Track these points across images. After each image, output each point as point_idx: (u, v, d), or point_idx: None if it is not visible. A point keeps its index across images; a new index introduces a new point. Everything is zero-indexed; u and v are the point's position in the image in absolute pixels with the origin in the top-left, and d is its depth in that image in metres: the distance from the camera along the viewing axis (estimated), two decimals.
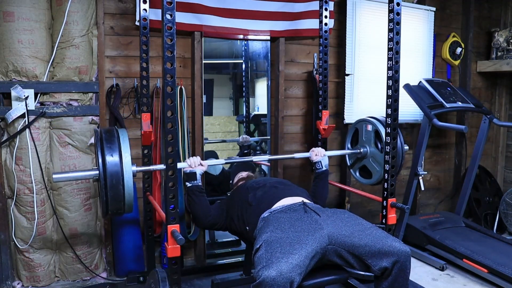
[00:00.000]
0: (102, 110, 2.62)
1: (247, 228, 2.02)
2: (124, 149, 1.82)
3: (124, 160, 1.79)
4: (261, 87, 3.81)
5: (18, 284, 2.58)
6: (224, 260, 3.01)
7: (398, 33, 2.16)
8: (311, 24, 3.03)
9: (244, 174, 2.50)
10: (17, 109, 2.38)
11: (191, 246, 2.98)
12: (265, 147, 3.87)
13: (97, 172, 1.79)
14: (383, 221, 2.29)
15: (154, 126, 2.60)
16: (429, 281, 2.77)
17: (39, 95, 2.47)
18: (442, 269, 2.92)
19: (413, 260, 3.04)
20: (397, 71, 2.18)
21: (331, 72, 3.18)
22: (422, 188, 3.74)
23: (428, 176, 3.82)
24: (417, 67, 3.53)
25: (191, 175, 2.08)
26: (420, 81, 3.33)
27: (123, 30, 2.67)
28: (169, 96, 1.77)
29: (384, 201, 2.29)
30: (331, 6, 3.02)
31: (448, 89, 3.31)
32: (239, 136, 4.03)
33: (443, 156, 3.93)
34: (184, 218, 2.80)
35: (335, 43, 3.26)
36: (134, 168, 1.90)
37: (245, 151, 3.63)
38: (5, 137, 2.45)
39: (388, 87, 2.21)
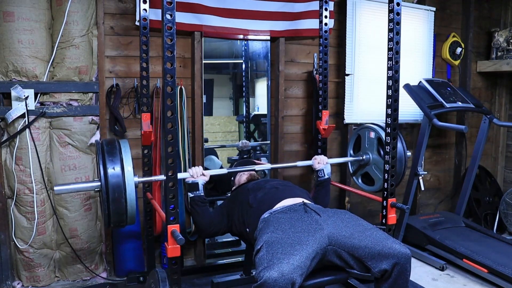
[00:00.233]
0: (102, 110, 2.62)
1: (247, 229, 2.02)
2: (126, 161, 1.80)
3: (126, 173, 1.77)
4: (261, 87, 3.81)
5: (18, 284, 2.58)
6: (224, 260, 3.01)
7: (398, 33, 2.16)
8: (311, 24, 3.03)
9: (245, 173, 2.49)
10: (17, 109, 2.38)
11: (191, 246, 2.98)
12: (265, 147, 3.87)
13: (99, 183, 1.78)
14: (383, 221, 2.28)
15: (154, 126, 2.60)
16: (429, 281, 2.76)
17: (39, 95, 2.47)
18: (442, 269, 2.92)
19: (413, 260, 3.02)
20: (397, 71, 2.18)
21: (331, 72, 3.18)
22: (422, 188, 3.74)
23: (428, 176, 3.82)
24: (417, 67, 3.53)
25: (194, 186, 2.06)
26: (420, 81, 3.33)
27: (123, 30, 2.67)
28: (169, 96, 1.77)
29: (384, 201, 2.29)
30: (331, 6, 3.02)
31: (448, 89, 3.31)
32: (239, 136, 4.04)
33: (443, 156, 3.93)
34: (185, 218, 2.80)
35: (335, 43, 3.26)
36: (136, 179, 1.88)
37: (245, 156, 3.64)
38: (5, 137, 2.45)
39: (388, 87, 2.21)
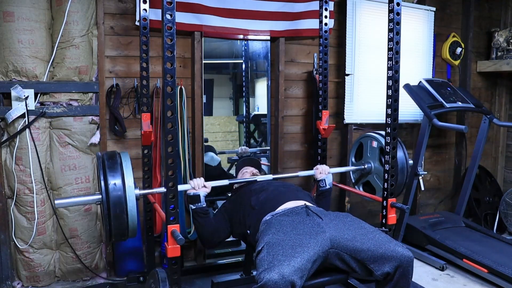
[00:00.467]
0: (102, 110, 2.62)
1: (248, 231, 2.02)
2: (127, 175, 1.79)
3: (128, 188, 1.77)
4: (261, 87, 3.81)
5: (18, 284, 2.58)
6: (224, 260, 3.01)
7: (398, 33, 2.16)
8: (311, 24, 3.03)
9: (248, 169, 2.48)
10: (17, 109, 2.38)
11: (191, 246, 2.98)
12: (265, 146, 3.87)
13: (100, 196, 1.78)
14: (383, 221, 2.28)
15: (154, 126, 2.60)
16: (429, 281, 2.77)
17: (39, 95, 2.47)
18: (442, 269, 2.92)
19: None
20: (397, 71, 2.18)
21: (331, 72, 3.18)
22: (422, 188, 3.74)
23: (428, 176, 3.82)
24: (417, 67, 3.53)
25: (195, 198, 2.04)
26: (420, 81, 3.33)
27: (123, 30, 2.67)
28: (169, 96, 1.77)
29: (384, 201, 2.29)
30: (331, 6, 3.02)
31: (448, 89, 3.31)
32: (239, 136, 4.04)
33: (443, 156, 3.93)
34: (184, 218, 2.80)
35: (335, 43, 3.26)
36: (137, 191, 1.87)
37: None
38: (5, 137, 2.45)
39: (388, 87, 2.21)
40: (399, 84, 2.22)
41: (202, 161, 2.88)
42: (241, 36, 3.05)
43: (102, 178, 1.76)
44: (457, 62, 3.78)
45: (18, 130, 2.42)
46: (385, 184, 2.28)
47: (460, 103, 3.21)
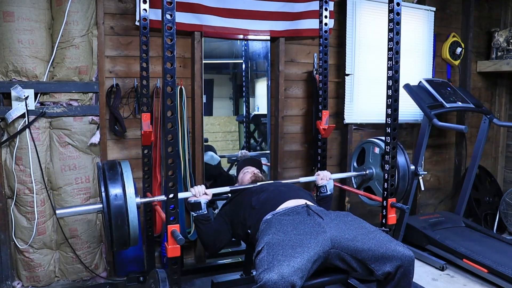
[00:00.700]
0: (102, 110, 2.62)
1: (249, 231, 2.01)
2: (128, 186, 1.79)
3: (129, 199, 1.77)
4: (261, 87, 3.81)
5: (18, 284, 2.58)
6: (224, 260, 3.01)
7: (398, 33, 2.16)
8: (311, 24, 3.03)
9: (249, 169, 2.47)
10: (17, 109, 2.38)
11: (191, 246, 2.98)
12: (265, 147, 3.87)
13: (101, 206, 1.78)
14: (383, 221, 2.28)
15: (154, 126, 2.60)
16: (429, 281, 2.77)
17: (39, 95, 2.47)
18: (442, 269, 2.92)
19: None
20: (397, 71, 2.18)
21: (331, 72, 3.18)
22: (422, 188, 3.74)
23: (428, 176, 3.82)
24: (417, 67, 3.53)
25: (196, 205, 2.03)
26: (420, 81, 3.33)
27: (123, 30, 2.67)
28: (169, 96, 1.77)
29: (384, 201, 2.29)
30: (331, 6, 3.02)
31: (448, 89, 3.31)
32: (239, 136, 4.04)
33: (443, 156, 3.93)
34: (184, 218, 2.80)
35: (335, 43, 3.26)
36: (138, 200, 1.88)
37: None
38: (5, 137, 2.45)
39: (388, 87, 2.21)
40: (399, 84, 2.22)
41: (202, 161, 2.88)
42: (241, 36, 3.05)
43: (103, 188, 1.77)
44: (457, 62, 3.78)
45: (18, 130, 2.42)
46: (385, 184, 2.28)
47: (460, 103, 3.21)
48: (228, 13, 2.86)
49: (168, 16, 1.72)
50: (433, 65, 3.64)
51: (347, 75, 3.22)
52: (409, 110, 3.44)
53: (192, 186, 2.77)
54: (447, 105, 3.14)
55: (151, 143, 2.49)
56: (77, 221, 2.60)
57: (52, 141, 2.54)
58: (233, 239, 2.21)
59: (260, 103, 3.96)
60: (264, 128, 3.65)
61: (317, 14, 2.78)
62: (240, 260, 2.94)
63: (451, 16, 3.77)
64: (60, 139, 2.54)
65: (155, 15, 2.51)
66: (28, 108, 2.40)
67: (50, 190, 2.56)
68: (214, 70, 4.10)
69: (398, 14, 2.15)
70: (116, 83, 2.65)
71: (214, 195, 2.13)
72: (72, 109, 2.54)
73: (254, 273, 1.58)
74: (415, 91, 3.22)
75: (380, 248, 1.67)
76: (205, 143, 3.30)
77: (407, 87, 3.25)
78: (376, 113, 3.17)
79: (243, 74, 3.93)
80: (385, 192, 2.28)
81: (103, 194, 1.76)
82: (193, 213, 2.06)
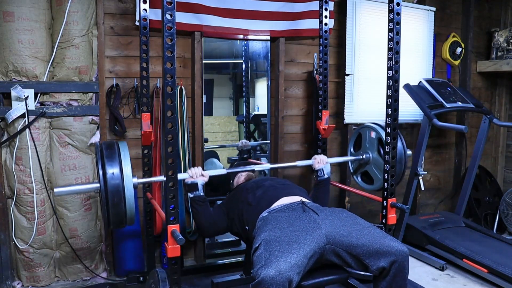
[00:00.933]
0: (102, 110, 2.62)
1: (247, 228, 2.02)
2: (125, 164, 1.80)
3: (125, 177, 1.78)
4: (261, 87, 3.81)
5: (18, 284, 2.58)
6: (224, 260, 3.01)
7: (398, 33, 2.16)
8: (311, 24, 3.03)
9: (243, 173, 2.50)
10: (17, 109, 2.38)
11: (191, 246, 2.98)
12: (265, 147, 3.87)
13: (98, 185, 1.79)
14: (383, 221, 2.28)
15: (154, 126, 2.60)
16: (429, 281, 2.76)
17: (39, 95, 2.47)
18: (442, 269, 2.92)
19: (413, 260, 3.04)
20: (397, 71, 2.18)
21: (331, 72, 3.18)
22: (422, 188, 3.74)
23: (428, 176, 3.82)
24: (417, 67, 3.53)
25: (193, 186, 2.06)
26: (420, 81, 3.33)
27: (123, 30, 2.67)
28: (169, 96, 1.77)
29: (384, 201, 2.29)
30: (331, 6, 3.02)
31: (448, 89, 3.31)
32: (239, 136, 4.03)
33: (443, 156, 3.93)
34: (184, 218, 2.80)
35: (335, 43, 3.26)
36: (135, 180, 1.89)
37: (245, 156, 3.63)
38: (5, 137, 2.45)
39: (388, 87, 2.21)
40: (399, 84, 2.22)
41: (202, 161, 2.88)
42: (241, 36, 3.04)
43: (100, 167, 1.78)
44: (457, 62, 3.78)
45: (18, 130, 2.42)
46: (385, 184, 2.28)
47: (460, 103, 3.21)
48: (228, 13, 2.86)
49: (168, 16, 1.72)
50: (433, 65, 3.64)
51: (347, 75, 3.22)
52: (409, 110, 3.44)
53: None
54: (447, 105, 3.14)
55: (151, 143, 2.49)
56: (77, 221, 2.60)
57: (52, 141, 2.54)
58: (233, 238, 2.22)
59: (260, 103, 3.96)
60: (264, 128, 3.64)
61: (317, 14, 2.78)
62: (240, 260, 2.93)
63: (451, 16, 3.77)
64: (60, 139, 2.54)
65: (155, 15, 2.51)
66: (28, 108, 2.40)
67: (50, 190, 2.55)
68: (214, 70, 4.10)
69: (398, 14, 2.15)
70: (116, 83, 2.65)
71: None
72: (72, 109, 2.54)
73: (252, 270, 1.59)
74: (415, 91, 3.21)
75: (374, 243, 1.69)
76: (208, 148, 3.30)
77: (407, 87, 3.25)
78: (376, 113, 3.17)
79: (243, 74, 3.92)
80: (385, 192, 2.28)
81: (100, 172, 1.77)
82: (189, 194, 2.08)
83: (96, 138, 2.59)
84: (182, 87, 2.75)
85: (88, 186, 1.86)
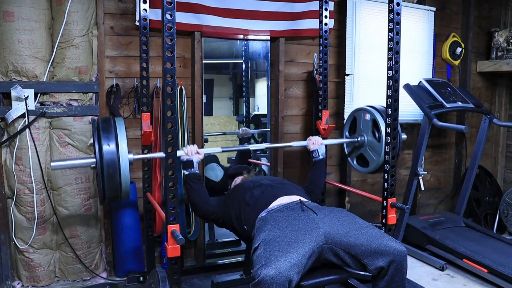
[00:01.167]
0: (102, 110, 2.62)
1: (245, 227, 2.02)
2: (120, 138, 1.84)
3: (121, 149, 1.82)
4: (261, 87, 3.81)
5: (18, 284, 2.58)
6: (224, 260, 3.01)
7: (398, 33, 2.16)
8: (311, 24, 3.03)
9: (240, 177, 2.50)
10: (17, 109, 2.38)
11: (191, 246, 2.98)
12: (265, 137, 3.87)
13: (94, 160, 1.82)
14: (383, 221, 2.28)
15: (154, 126, 2.60)
16: (429, 281, 2.76)
17: (39, 95, 2.47)
18: (442, 269, 2.91)
19: (413, 260, 3.04)
20: (397, 71, 2.18)
21: (331, 72, 3.18)
22: (422, 188, 3.74)
23: (428, 176, 3.82)
24: (417, 67, 3.53)
25: (188, 163, 2.10)
26: (420, 81, 3.33)
27: (123, 30, 2.67)
28: (169, 96, 1.77)
29: (384, 201, 2.29)
30: (331, 6, 3.02)
31: (448, 89, 3.31)
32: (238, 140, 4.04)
33: (443, 156, 3.93)
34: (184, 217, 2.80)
35: (335, 43, 3.26)
36: (131, 156, 1.91)
37: (245, 142, 3.63)
38: (5, 137, 2.45)
39: (388, 87, 2.21)
40: (399, 84, 2.22)
41: (202, 161, 2.87)
42: (241, 36, 3.05)
43: (96, 139, 1.81)
44: (457, 62, 3.78)
45: (18, 130, 2.42)
46: (385, 184, 2.28)
47: (460, 103, 3.21)
48: (228, 13, 2.86)
49: (168, 16, 1.72)
50: (433, 65, 3.64)
51: (347, 75, 3.22)
52: (409, 110, 3.44)
53: None
54: (447, 105, 3.14)
55: (151, 143, 2.49)
56: (77, 221, 2.60)
57: (52, 141, 2.54)
58: (233, 238, 2.22)
59: (260, 103, 3.96)
60: (264, 128, 3.65)
61: (317, 14, 2.78)
62: (240, 260, 2.93)
63: (451, 16, 3.77)
64: (60, 139, 2.54)
65: (155, 15, 2.51)
66: (28, 108, 2.40)
67: (50, 190, 2.55)
68: (214, 70, 4.10)
69: (398, 14, 2.15)
70: (116, 83, 2.65)
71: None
72: (72, 109, 2.54)
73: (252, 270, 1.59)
74: (415, 91, 3.21)
75: (373, 243, 1.69)
76: (209, 135, 3.28)
77: (407, 87, 3.25)
78: None
79: (243, 74, 3.93)
80: (385, 192, 2.28)
81: (96, 144, 1.80)
82: (184, 171, 2.11)
83: None
84: (182, 87, 2.75)
85: (84, 161, 1.89)
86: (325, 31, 2.72)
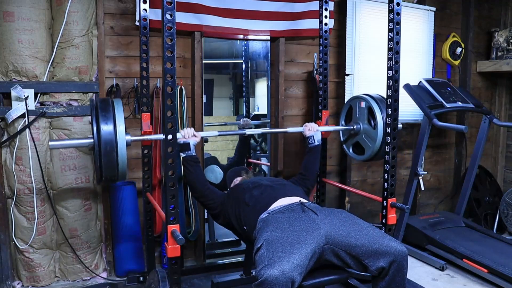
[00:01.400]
0: None
1: (245, 227, 2.02)
2: (118, 118, 1.85)
3: (118, 128, 1.83)
4: (261, 87, 3.81)
5: (18, 284, 2.58)
6: (224, 260, 3.01)
7: (398, 33, 2.16)
8: (311, 24, 3.03)
9: (239, 179, 2.50)
10: (17, 109, 2.38)
11: (191, 246, 2.98)
12: (265, 147, 3.88)
13: (92, 140, 1.83)
14: (383, 221, 2.28)
15: (154, 126, 2.60)
16: (429, 281, 2.77)
17: (39, 95, 2.47)
18: (442, 269, 2.92)
19: (413, 260, 3.04)
20: (397, 71, 2.18)
21: (331, 72, 3.18)
22: (422, 188, 3.74)
23: (428, 176, 3.82)
24: (417, 67, 3.53)
25: (185, 146, 2.12)
26: (420, 81, 3.33)
27: (123, 30, 2.67)
28: (169, 96, 1.77)
29: (384, 201, 2.29)
30: (331, 6, 3.02)
31: (448, 89, 3.31)
32: (239, 136, 4.04)
33: (443, 156, 3.93)
34: (184, 216, 2.80)
35: (335, 43, 3.26)
36: (129, 137, 1.93)
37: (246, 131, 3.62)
38: (5, 137, 2.45)
39: (388, 87, 2.21)
40: (399, 84, 2.22)
41: (202, 161, 2.87)
42: (241, 36, 3.05)
43: (94, 119, 1.83)
44: (457, 62, 3.78)
45: (18, 130, 2.42)
46: (385, 184, 2.28)
47: (460, 103, 3.21)
48: (228, 13, 2.86)
49: (168, 16, 1.72)
50: (433, 65, 3.64)
51: (347, 75, 3.22)
52: (409, 110, 3.44)
53: None
54: (447, 105, 3.14)
55: (151, 143, 2.49)
56: (77, 221, 2.60)
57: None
58: (233, 238, 2.22)
59: (260, 103, 3.97)
60: (264, 128, 3.65)
61: (317, 14, 2.78)
62: (240, 260, 2.93)
63: (451, 16, 3.77)
64: (60, 139, 2.53)
65: (155, 15, 2.51)
66: (28, 108, 2.40)
67: (50, 190, 2.55)
68: (214, 70, 4.10)
69: (398, 14, 2.15)
70: (116, 83, 2.65)
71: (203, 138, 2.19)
72: (72, 109, 2.54)
73: (254, 271, 1.59)
74: (415, 91, 3.22)
75: (374, 243, 1.70)
76: (210, 125, 3.27)
77: (407, 87, 3.25)
78: None
79: (243, 74, 3.93)
80: (385, 192, 2.28)
81: (94, 123, 1.82)
82: (181, 153, 2.13)
83: None
84: (182, 87, 2.75)
85: (83, 141, 1.91)
86: (325, 31, 2.72)
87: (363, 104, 2.55)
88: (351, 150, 2.72)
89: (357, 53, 3.23)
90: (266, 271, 1.49)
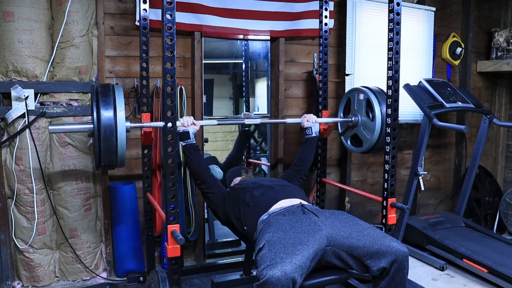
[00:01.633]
0: None
1: (245, 228, 2.02)
2: (119, 103, 1.85)
3: (118, 114, 1.83)
4: (261, 87, 3.81)
5: (18, 284, 2.58)
6: (224, 260, 3.01)
7: (398, 33, 2.16)
8: (311, 24, 3.03)
9: (238, 178, 2.50)
10: (17, 109, 2.38)
11: (191, 246, 2.98)
12: (265, 147, 3.87)
13: (92, 126, 1.84)
14: (383, 221, 2.28)
15: None
16: (429, 281, 2.77)
17: (39, 95, 2.47)
18: (442, 269, 2.92)
19: (413, 260, 3.05)
20: (397, 71, 2.18)
21: (331, 72, 3.18)
22: (422, 188, 3.74)
23: (428, 176, 3.82)
24: (417, 67, 3.53)
25: (185, 134, 2.13)
26: (420, 81, 3.33)
27: (123, 30, 2.67)
28: (169, 96, 1.77)
29: (384, 201, 2.28)
30: (331, 6, 3.02)
31: (448, 89, 3.31)
32: (238, 133, 4.03)
33: (443, 156, 3.93)
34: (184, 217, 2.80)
35: (335, 43, 3.26)
36: (128, 124, 1.93)
37: (246, 129, 3.62)
38: (5, 137, 2.45)
39: (388, 87, 2.21)
40: (399, 84, 2.22)
41: None
42: (241, 36, 3.05)
43: (94, 104, 1.83)
44: (457, 62, 3.78)
45: (18, 130, 2.42)
46: (385, 184, 2.28)
47: (460, 103, 3.21)
48: (228, 13, 2.86)
49: (168, 16, 1.72)
50: (433, 65, 3.64)
51: (347, 75, 3.22)
52: (409, 110, 3.44)
53: (192, 186, 2.79)
54: (447, 105, 3.14)
55: (151, 143, 2.49)
56: (77, 221, 2.60)
57: (52, 141, 2.54)
58: (233, 238, 2.21)
59: (260, 103, 3.96)
60: (264, 128, 3.65)
61: (317, 14, 2.78)
62: (240, 260, 2.93)
63: (451, 16, 3.77)
64: (60, 139, 2.53)
65: (155, 15, 2.51)
66: (28, 108, 2.40)
67: (50, 190, 2.55)
68: (214, 70, 4.10)
69: (398, 14, 2.15)
70: (116, 83, 2.65)
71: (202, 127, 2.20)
72: (72, 109, 2.54)
73: (255, 272, 1.59)
74: (415, 91, 3.22)
75: (375, 244, 1.70)
76: (210, 118, 3.27)
77: (407, 87, 3.25)
78: None
79: (243, 74, 3.92)
80: (385, 192, 2.28)
81: (94, 108, 1.82)
82: (181, 142, 2.14)
83: None
84: (182, 87, 2.75)
85: (82, 126, 1.92)
86: (325, 31, 2.72)
87: (361, 96, 2.55)
88: (349, 142, 2.73)
89: (357, 53, 3.23)
90: (268, 272, 1.49)
